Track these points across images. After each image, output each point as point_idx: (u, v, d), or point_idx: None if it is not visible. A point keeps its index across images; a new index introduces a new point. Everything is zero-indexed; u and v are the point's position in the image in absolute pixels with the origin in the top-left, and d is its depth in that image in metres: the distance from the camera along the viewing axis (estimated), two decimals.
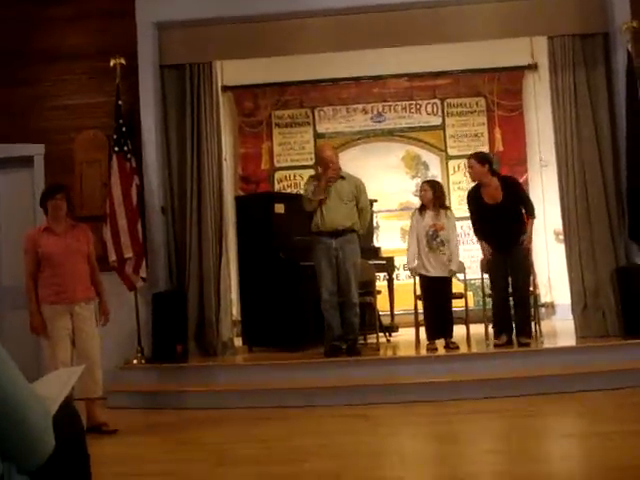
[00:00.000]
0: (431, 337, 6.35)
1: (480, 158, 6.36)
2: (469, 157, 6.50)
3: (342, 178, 6.34)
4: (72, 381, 1.93)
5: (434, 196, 6.42)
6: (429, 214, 6.40)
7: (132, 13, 6.78)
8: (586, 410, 4.94)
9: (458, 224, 8.62)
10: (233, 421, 5.28)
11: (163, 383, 6.16)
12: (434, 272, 6.32)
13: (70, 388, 1.90)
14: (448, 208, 6.60)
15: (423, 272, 6.38)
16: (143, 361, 6.39)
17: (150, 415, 5.64)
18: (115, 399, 6.00)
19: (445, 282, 6.37)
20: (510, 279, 6.25)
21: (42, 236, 5.09)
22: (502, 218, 6.17)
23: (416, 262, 6.40)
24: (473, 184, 6.52)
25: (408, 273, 8.30)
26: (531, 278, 6.58)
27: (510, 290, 6.27)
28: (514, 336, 6.23)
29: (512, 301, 6.26)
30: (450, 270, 6.34)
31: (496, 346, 6.15)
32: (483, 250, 6.40)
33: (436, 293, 6.35)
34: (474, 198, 6.42)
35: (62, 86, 6.91)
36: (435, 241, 6.32)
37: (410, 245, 6.49)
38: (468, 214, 6.52)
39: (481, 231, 6.42)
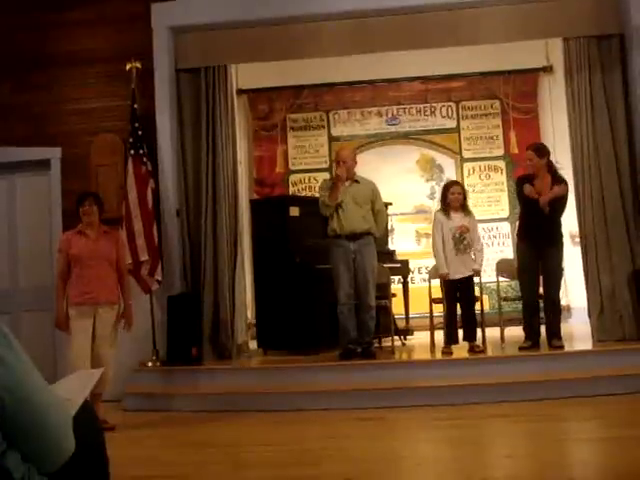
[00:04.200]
0: (449, 342, 6.28)
1: (539, 152, 6.14)
2: (527, 148, 6.31)
3: (356, 182, 6.34)
4: (92, 383, 1.94)
5: (463, 198, 6.39)
6: (456, 216, 6.30)
7: (148, 17, 6.82)
8: (603, 414, 4.89)
9: None
10: (248, 424, 5.29)
11: (178, 385, 6.16)
12: (461, 274, 6.23)
13: (89, 390, 1.91)
14: (470, 211, 6.53)
15: (450, 277, 6.25)
16: (158, 363, 6.41)
17: (165, 417, 5.65)
18: (130, 401, 6.05)
19: (469, 283, 6.31)
20: (542, 282, 6.16)
21: (74, 238, 5.35)
22: (542, 215, 5.96)
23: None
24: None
25: (423, 276, 8.32)
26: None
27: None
28: (544, 339, 6.14)
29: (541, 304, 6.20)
30: (474, 269, 6.26)
31: (522, 349, 6.07)
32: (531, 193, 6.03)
33: (461, 295, 6.28)
34: (524, 184, 6.15)
35: (78, 90, 6.96)
36: (462, 243, 6.22)
37: (438, 249, 6.29)
38: (483, 217, 6.44)
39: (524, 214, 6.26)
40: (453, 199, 6.34)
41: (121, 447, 4.63)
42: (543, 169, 6.12)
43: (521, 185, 6.17)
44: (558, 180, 6.14)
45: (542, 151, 6.20)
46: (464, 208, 6.39)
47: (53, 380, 1.92)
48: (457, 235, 6.23)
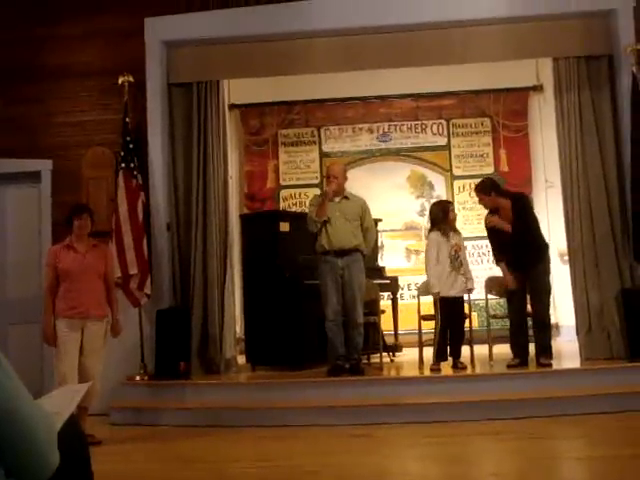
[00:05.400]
0: (439, 359, 6.30)
1: (484, 190, 6.28)
2: (474, 189, 6.47)
3: (346, 198, 6.36)
4: (78, 398, 1.94)
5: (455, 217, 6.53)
6: (452, 235, 6.39)
7: (141, 32, 6.83)
8: (591, 433, 4.90)
9: None
10: (236, 439, 5.26)
11: (165, 400, 6.13)
12: (455, 292, 6.31)
13: (76, 405, 1.91)
14: (458, 229, 6.62)
15: (445, 294, 6.30)
16: (146, 378, 6.38)
17: (152, 432, 5.62)
18: (117, 415, 6.01)
19: (462, 301, 6.40)
20: (530, 301, 6.19)
21: (63, 252, 5.35)
22: (518, 238, 6.05)
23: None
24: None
25: (412, 293, 8.34)
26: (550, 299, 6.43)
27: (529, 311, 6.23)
28: (533, 357, 6.14)
29: (530, 322, 6.22)
30: (468, 289, 6.37)
31: (510, 367, 6.08)
32: (505, 277, 6.20)
33: (454, 313, 6.33)
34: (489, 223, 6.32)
35: (71, 103, 6.96)
36: (457, 262, 6.32)
37: (433, 267, 6.34)
38: (472, 235, 6.50)
39: (502, 254, 6.25)
40: (453, 217, 6.49)
41: (107, 462, 4.60)
42: (497, 200, 6.24)
43: (490, 228, 6.31)
44: (512, 197, 6.28)
45: (486, 188, 6.32)
46: (454, 227, 6.50)
47: (40, 393, 1.92)
48: (453, 253, 6.32)
